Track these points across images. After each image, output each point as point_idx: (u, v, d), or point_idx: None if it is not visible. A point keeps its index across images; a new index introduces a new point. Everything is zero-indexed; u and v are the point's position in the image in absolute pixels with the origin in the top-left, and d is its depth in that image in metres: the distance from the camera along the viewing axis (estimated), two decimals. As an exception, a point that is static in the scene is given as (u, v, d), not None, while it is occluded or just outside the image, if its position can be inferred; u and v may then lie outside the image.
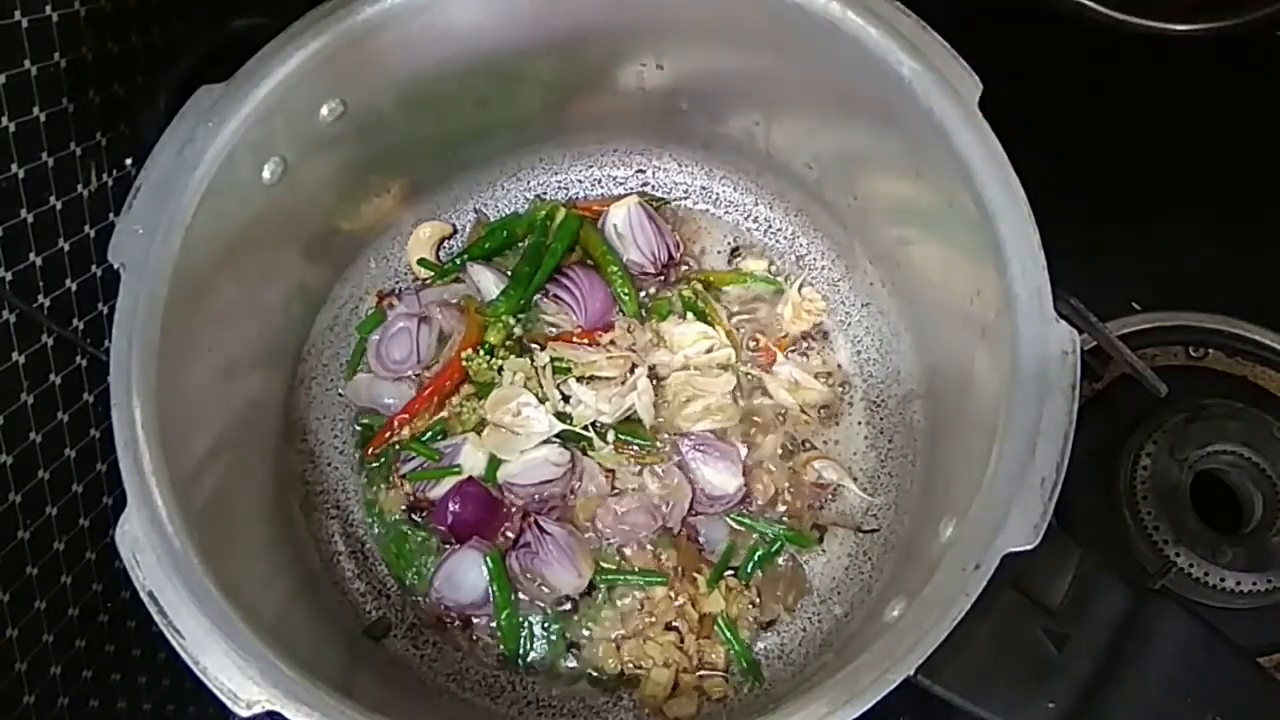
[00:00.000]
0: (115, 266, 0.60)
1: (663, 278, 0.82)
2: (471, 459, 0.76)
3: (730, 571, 0.76)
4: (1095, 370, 0.84)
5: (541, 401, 0.76)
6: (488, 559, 0.74)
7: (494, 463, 0.76)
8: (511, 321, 0.79)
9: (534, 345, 0.79)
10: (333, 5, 0.64)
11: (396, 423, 0.78)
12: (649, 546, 0.76)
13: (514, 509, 0.76)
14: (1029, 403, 0.56)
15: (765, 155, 0.80)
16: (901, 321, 0.79)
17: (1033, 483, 0.54)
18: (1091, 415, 0.82)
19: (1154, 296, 0.91)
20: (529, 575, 0.74)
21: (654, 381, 0.78)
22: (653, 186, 0.86)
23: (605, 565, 0.75)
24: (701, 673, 0.74)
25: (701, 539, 0.76)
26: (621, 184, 0.87)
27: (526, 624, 0.75)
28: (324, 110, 0.67)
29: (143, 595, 0.56)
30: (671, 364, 0.79)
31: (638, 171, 0.87)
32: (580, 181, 0.87)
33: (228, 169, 0.62)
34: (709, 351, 0.79)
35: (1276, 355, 0.89)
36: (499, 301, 0.80)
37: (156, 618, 0.55)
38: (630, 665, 0.74)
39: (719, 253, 0.85)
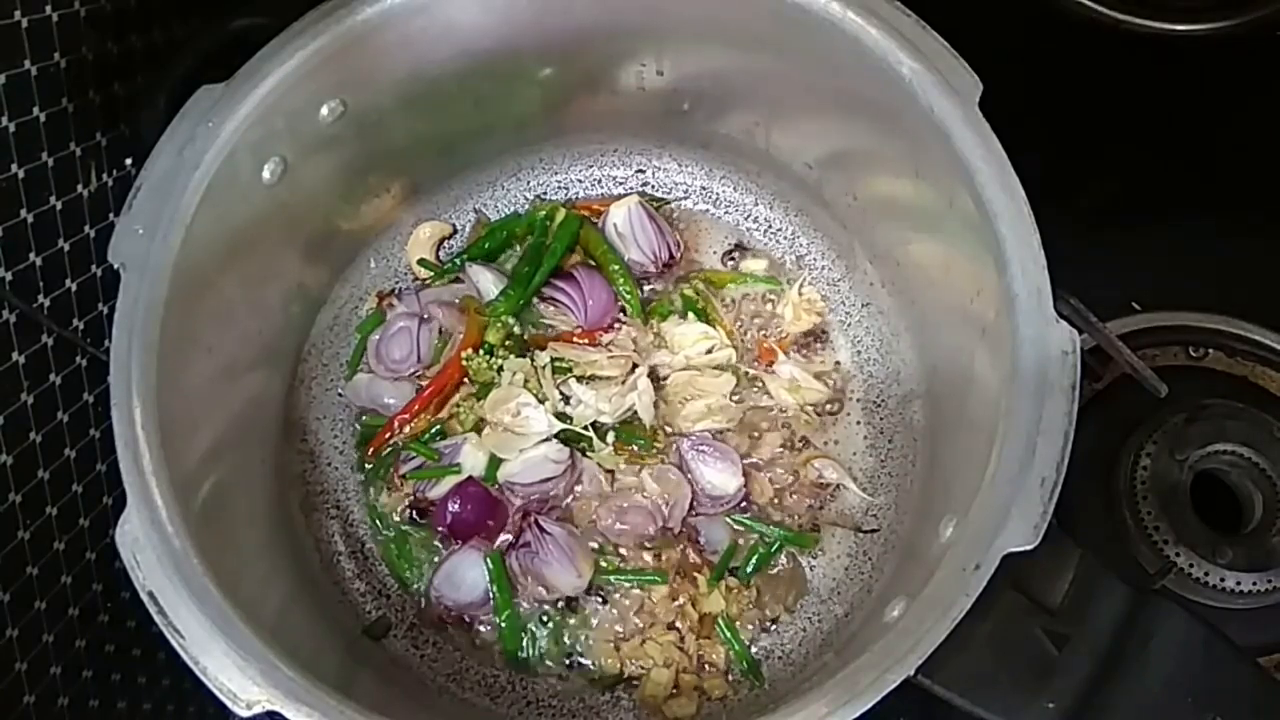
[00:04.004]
0: (115, 266, 0.60)
1: (664, 277, 0.83)
2: (471, 459, 0.76)
3: (730, 572, 0.76)
4: (1095, 370, 0.84)
5: (541, 401, 0.76)
6: (488, 559, 0.74)
7: (494, 463, 0.76)
8: (511, 321, 0.79)
9: (534, 346, 0.79)
10: (333, 5, 0.64)
11: (396, 423, 0.78)
12: (649, 546, 0.76)
13: (514, 509, 0.76)
14: (1029, 403, 0.56)
15: (765, 155, 0.80)
16: (901, 321, 0.79)
17: (1033, 483, 0.54)
18: (1091, 415, 0.82)
19: (1154, 296, 0.91)
20: (529, 575, 0.74)
21: (654, 381, 0.78)
22: (653, 186, 0.86)
23: (605, 565, 0.75)
24: (701, 673, 0.74)
25: (701, 539, 0.76)
26: (621, 184, 0.87)
27: (526, 624, 0.75)
28: (324, 110, 0.67)
29: (143, 595, 0.56)
30: (672, 364, 0.79)
31: (638, 171, 0.87)
32: (580, 181, 0.87)
33: (228, 169, 0.62)
34: (709, 352, 0.79)
35: (1276, 355, 0.89)
36: (499, 301, 0.80)
37: (156, 618, 0.55)
38: (630, 665, 0.74)
39: (718, 253, 0.85)
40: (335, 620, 0.74)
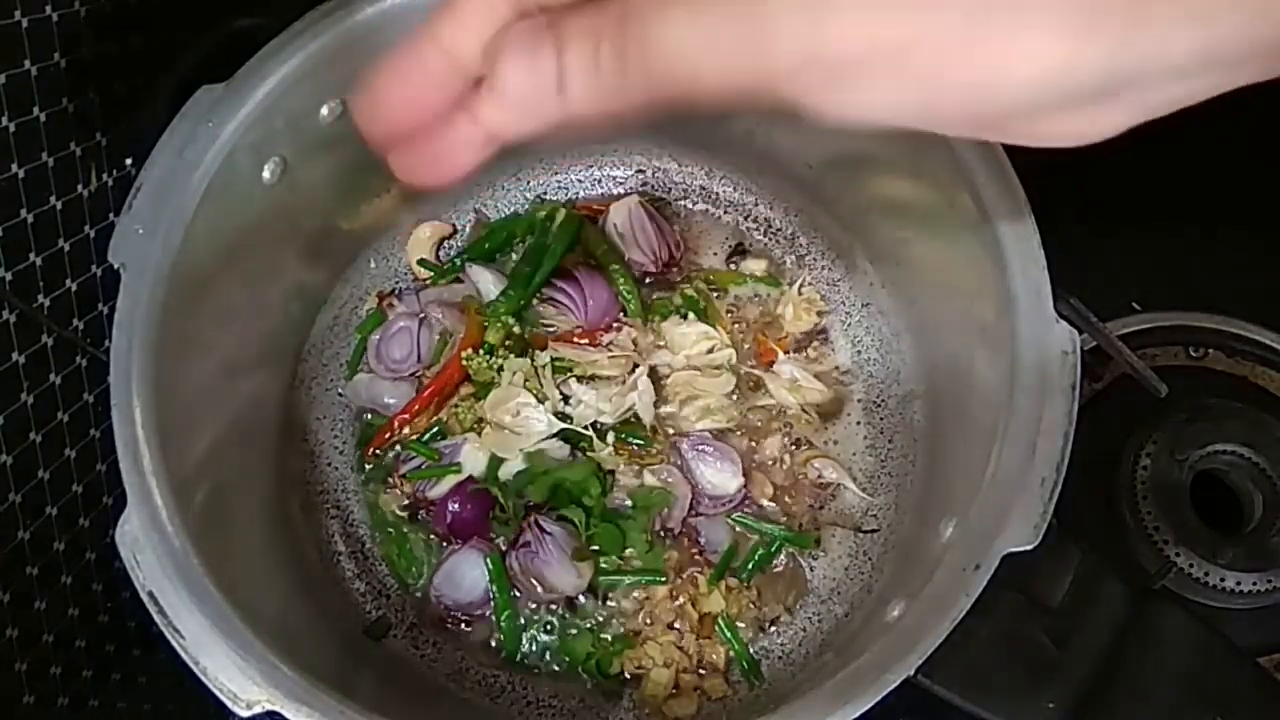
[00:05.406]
0: (115, 266, 0.60)
1: (664, 277, 0.83)
2: (471, 459, 0.76)
3: (730, 572, 0.76)
4: (1095, 370, 0.84)
5: (541, 401, 0.76)
6: (488, 559, 0.74)
7: (494, 463, 0.76)
8: (511, 321, 0.79)
9: (534, 346, 0.79)
10: (333, 5, 0.63)
11: (396, 423, 0.78)
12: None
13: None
14: (1029, 403, 0.56)
15: (765, 155, 0.80)
16: (901, 321, 0.79)
17: (1033, 483, 0.54)
18: (1091, 415, 0.82)
19: (1154, 296, 0.91)
20: (529, 575, 0.74)
21: (654, 381, 0.78)
22: (653, 186, 0.86)
23: (605, 565, 0.75)
24: (701, 672, 0.74)
25: (702, 539, 0.76)
26: (621, 184, 0.87)
27: (526, 624, 0.75)
28: (324, 110, 0.67)
29: (143, 595, 0.55)
30: (672, 364, 0.79)
31: (638, 171, 0.86)
32: (580, 181, 0.87)
33: (228, 169, 0.62)
34: (710, 352, 0.79)
35: (1276, 355, 0.89)
36: (499, 301, 0.80)
37: (156, 618, 0.55)
38: (630, 665, 0.74)
39: (719, 253, 0.85)
40: (335, 620, 0.74)
